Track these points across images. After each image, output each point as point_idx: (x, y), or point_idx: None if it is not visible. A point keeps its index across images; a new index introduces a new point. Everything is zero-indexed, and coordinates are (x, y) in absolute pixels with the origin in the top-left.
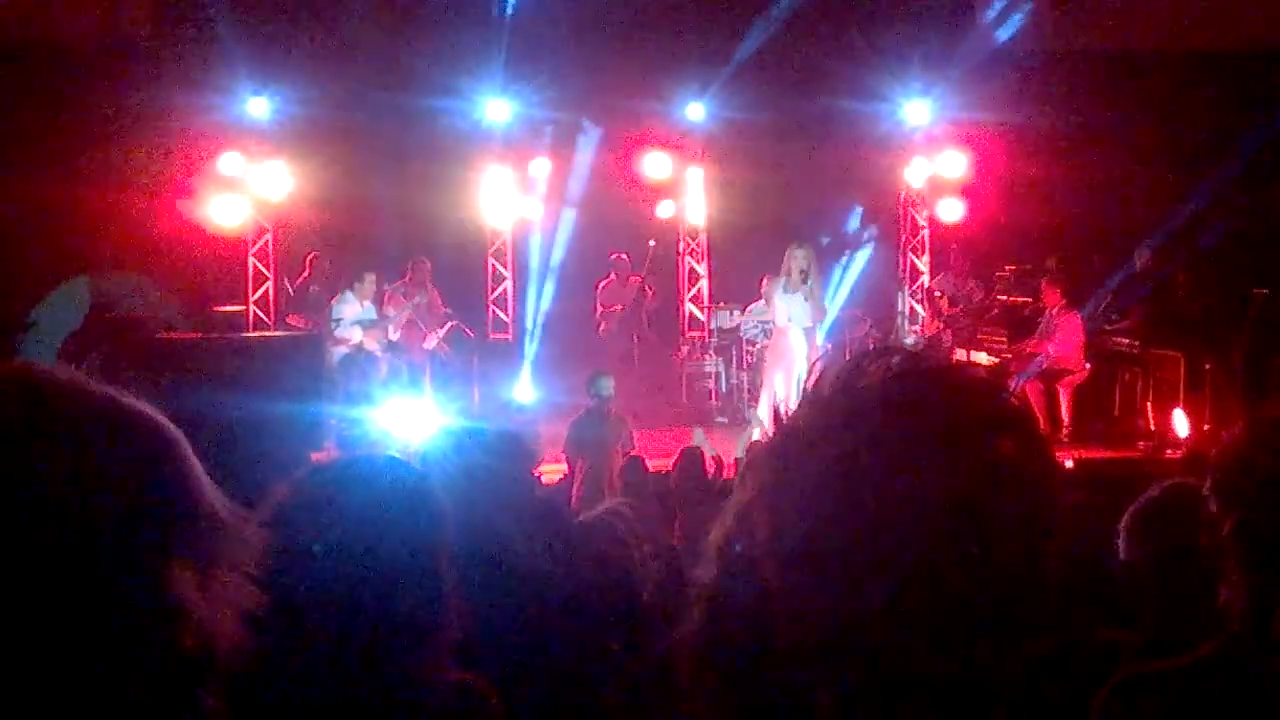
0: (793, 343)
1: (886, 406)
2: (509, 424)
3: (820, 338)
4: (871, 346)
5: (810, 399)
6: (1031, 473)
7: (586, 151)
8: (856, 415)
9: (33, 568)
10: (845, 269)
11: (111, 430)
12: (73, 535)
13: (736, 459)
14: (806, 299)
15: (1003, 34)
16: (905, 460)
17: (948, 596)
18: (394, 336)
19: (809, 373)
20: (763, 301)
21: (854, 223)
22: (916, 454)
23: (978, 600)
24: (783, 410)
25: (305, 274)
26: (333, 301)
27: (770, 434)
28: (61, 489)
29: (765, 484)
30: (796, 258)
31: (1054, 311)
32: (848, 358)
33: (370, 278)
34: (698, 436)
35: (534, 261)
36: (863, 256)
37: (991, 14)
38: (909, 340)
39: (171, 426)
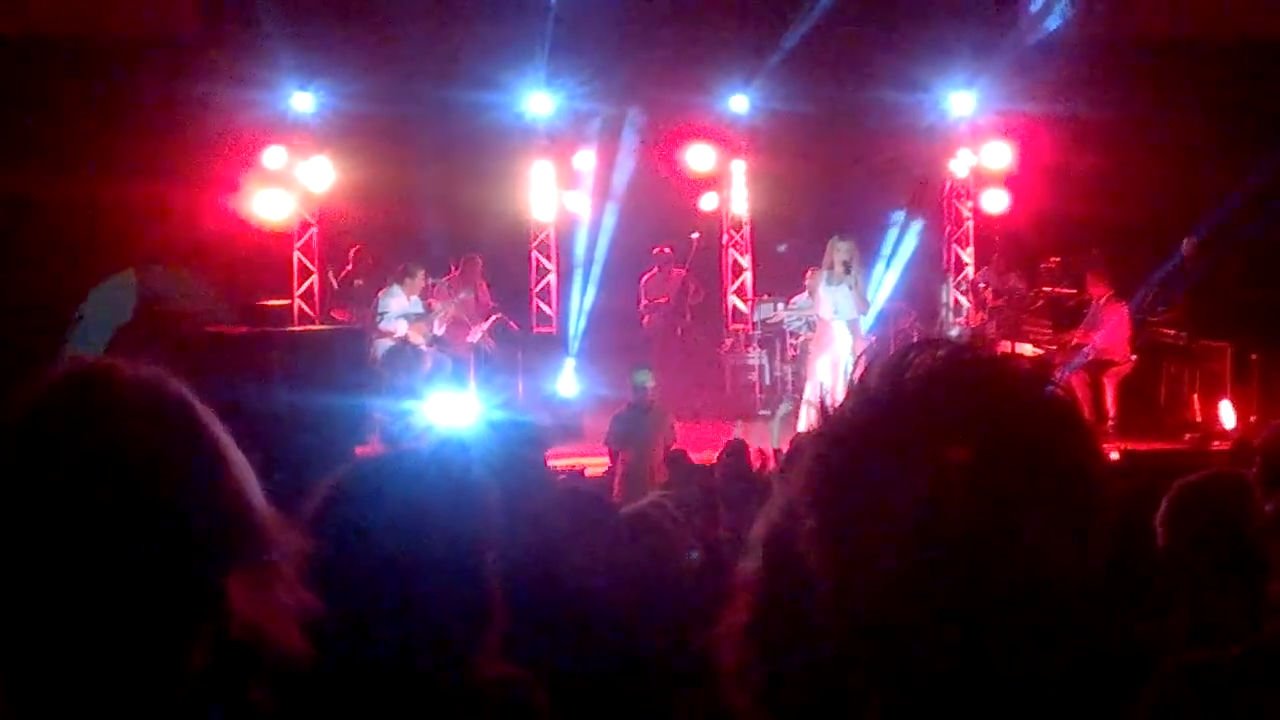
0: (837, 335)
1: (933, 399)
2: (522, 414)
3: (864, 329)
4: (916, 338)
5: (857, 391)
6: (1078, 465)
7: (630, 144)
8: (903, 407)
9: (84, 553)
10: (890, 260)
11: (180, 435)
12: (134, 532)
13: (776, 450)
14: (851, 289)
15: (1048, 23)
16: (953, 453)
17: (996, 592)
18: (439, 331)
19: (855, 365)
20: (806, 294)
21: (898, 214)
22: (963, 446)
23: (1025, 595)
24: (828, 402)
25: (349, 268)
26: (379, 295)
27: (816, 425)
28: (124, 482)
29: (811, 477)
30: (839, 249)
31: (1101, 302)
32: (893, 350)
33: (420, 272)
34: (738, 429)
35: (578, 254)
36: (907, 248)
37: (1036, 3)
38: (953, 332)
39: (225, 432)
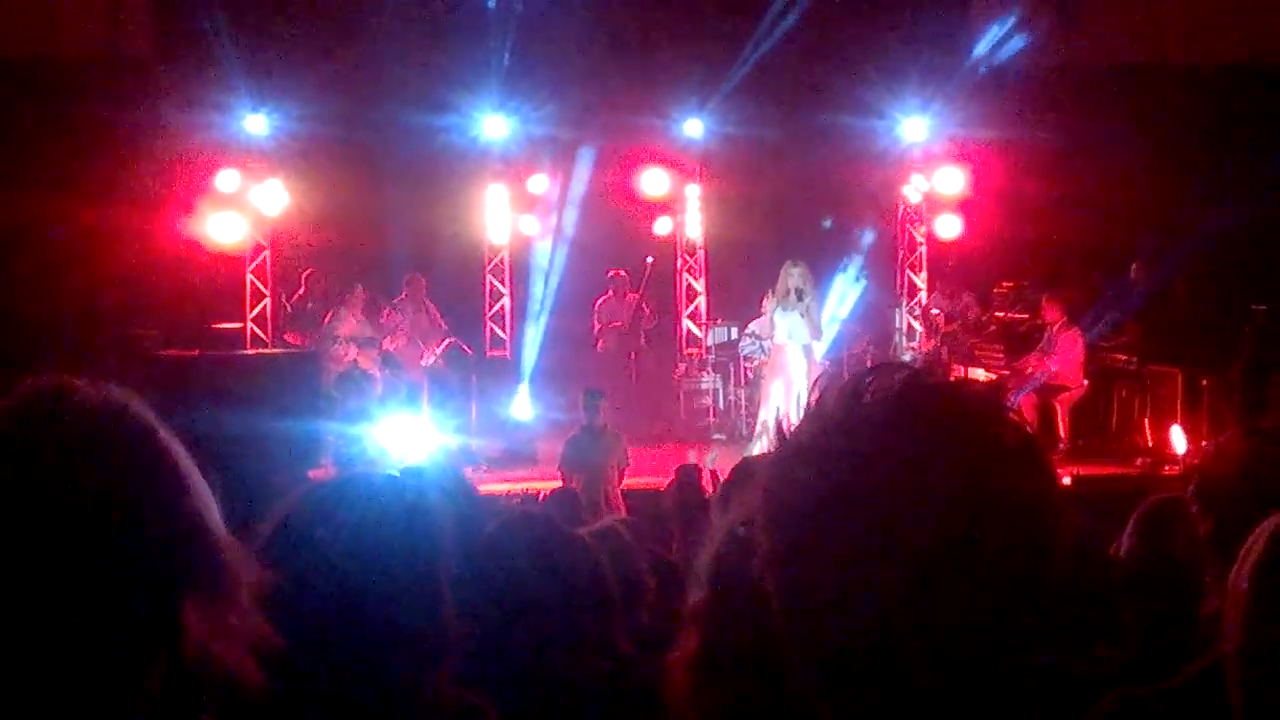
0: (791, 359)
1: (890, 423)
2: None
3: (819, 354)
4: (870, 363)
5: (813, 415)
6: (1034, 490)
7: (584, 168)
8: (860, 431)
9: (42, 577)
10: (847, 286)
11: (140, 458)
12: (89, 556)
13: (713, 474)
14: (804, 316)
15: (1000, 51)
16: (908, 477)
17: (950, 615)
18: (394, 348)
19: (811, 389)
20: (762, 319)
21: (851, 239)
22: (920, 471)
23: (980, 618)
24: (785, 427)
25: (302, 291)
26: (329, 319)
27: (771, 450)
28: (85, 506)
29: (768, 500)
30: (792, 275)
31: (1055, 328)
32: (847, 374)
33: (357, 289)
34: (711, 458)
35: (532, 278)
36: (856, 277)
37: (989, 31)
38: (906, 357)
39: (187, 457)
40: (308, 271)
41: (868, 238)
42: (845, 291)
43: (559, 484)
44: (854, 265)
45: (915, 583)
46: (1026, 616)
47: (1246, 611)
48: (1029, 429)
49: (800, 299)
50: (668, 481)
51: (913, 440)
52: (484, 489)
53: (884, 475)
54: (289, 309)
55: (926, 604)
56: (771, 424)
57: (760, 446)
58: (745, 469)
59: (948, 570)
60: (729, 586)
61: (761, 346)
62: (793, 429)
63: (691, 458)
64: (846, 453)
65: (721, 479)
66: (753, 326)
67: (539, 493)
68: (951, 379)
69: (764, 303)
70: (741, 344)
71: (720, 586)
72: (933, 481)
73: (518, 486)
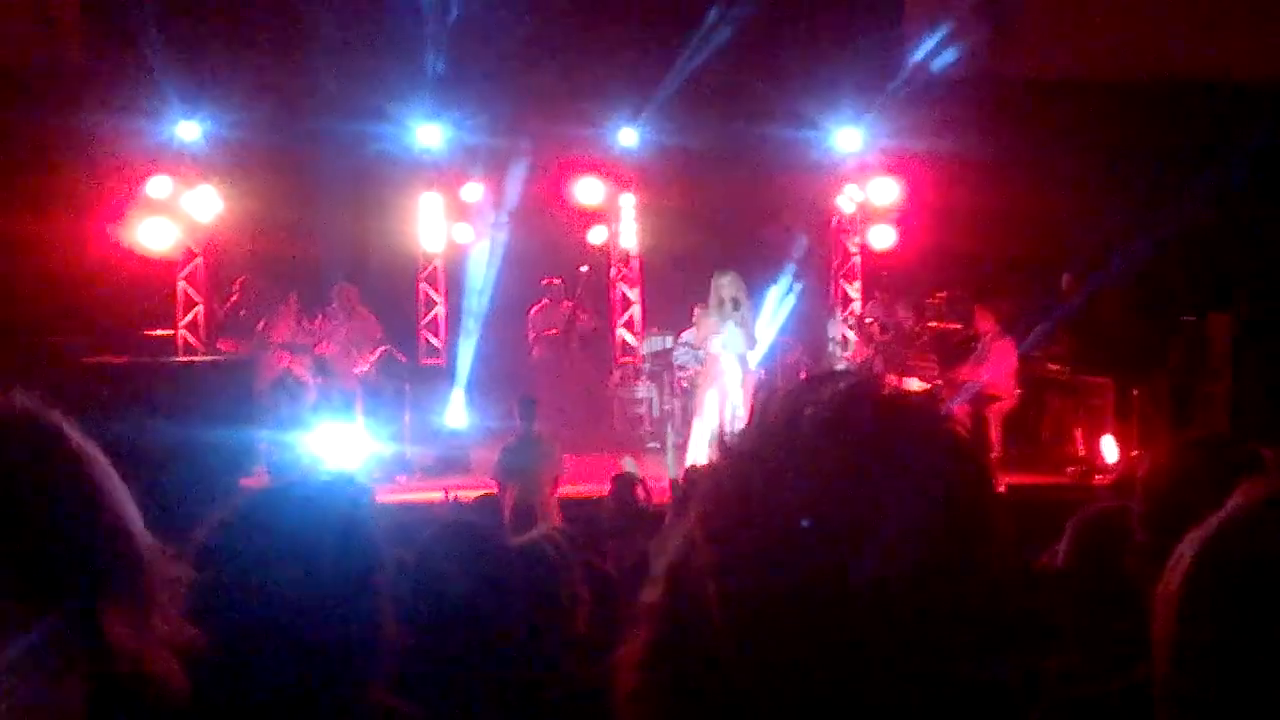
0: (725, 369)
1: (833, 434)
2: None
3: (752, 363)
4: (804, 373)
5: (755, 424)
6: (975, 499)
7: (518, 176)
8: (802, 442)
9: None
10: (781, 296)
11: (53, 462)
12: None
13: (673, 480)
14: (738, 325)
15: (933, 62)
16: (851, 488)
17: (890, 626)
18: (327, 353)
19: (747, 398)
20: (694, 328)
21: (785, 249)
22: (862, 481)
23: (921, 629)
24: (726, 436)
25: (234, 298)
26: (260, 326)
27: (712, 459)
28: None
29: (707, 509)
30: (723, 285)
31: (988, 338)
32: (780, 384)
33: (290, 296)
34: (629, 464)
35: (466, 286)
36: (789, 284)
37: (922, 42)
38: (840, 367)
39: (104, 462)
40: (241, 279)
41: (800, 248)
42: (779, 302)
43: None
44: (786, 277)
45: (856, 595)
46: (968, 627)
47: (1172, 624)
48: (970, 438)
49: (735, 308)
50: (606, 490)
51: (855, 451)
52: (418, 497)
53: (826, 486)
54: (222, 316)
55: (866, 616)
56: (709, 434)
57: (695, 456)
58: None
59: (888, 582)
60: (683, 590)
61: (696, 355)
62: (732, 439)
63: (626, 466)
64: (788, 464)
65: (651, 488)
66: (686, 336)
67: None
68: (894, 388)
69: (695, 313)
70: (675, 353)
71: (674, 589)
72: (875, 492)
73: (450, 494)
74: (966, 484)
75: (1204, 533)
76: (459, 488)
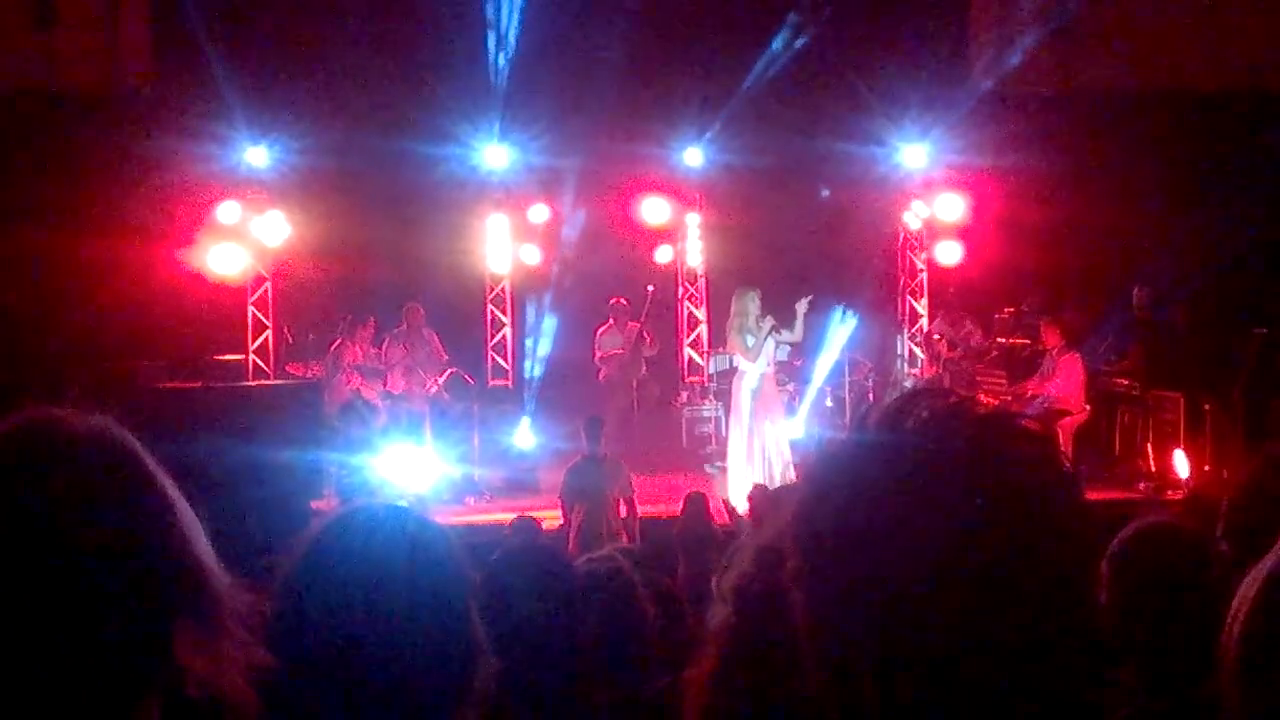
0: (761, 385)
1: (935, 450)
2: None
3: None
4: (871, 391)
5: (853, 438)
6: (1072, 518)
7: (585, 197)
8: (902, 456)
9: (37, 614)
10: (844, 313)
11: (126, 486)
12: (76, 584)
13: (725, 501)
14: (769, 338)
15: (998, 77)
16: (951, 505)
17: (981, 643)
18: (395, 389)
19: (860, 411)
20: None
21: (852, 266)
22: (962, 499)
23: (1011, 647)
24: (815, 451)
25: (304, 322)
26: (332, 348)
27: (788, 479)
28: (75, 542)
29: (802, 518)
30: (747, 299)
31: (1055, 353)
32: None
33: (369, 320)
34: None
35: (533, 307)
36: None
37: (987, 57)
38: (907, 384)
39: (175, 488)
40: (311, 302)
41: (867, 265)
42: (845, 319)
43: (559, 513)
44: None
45: (950, 609)
46: (1054, 648)
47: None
48: (1067, 460)
49: (760, 322)
50: (680, 509)
51: (957, 469)
52: (486, 518)
53: (925, 502)
54: (291, 340)
55: (959, 631)
56: (746, 452)
57: (734, 475)
58: (778, 495)
59: (982, 599)
60: (754, 607)
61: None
62: (829, 449)
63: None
64: (888, 476)
65: (732, 507)
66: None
67: (539, 521)
68: (994, 407)
69: (732, 333)
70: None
71: (745, 607)
72: (975, 510)
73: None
74: (1063, 500)
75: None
76: (527, 509)
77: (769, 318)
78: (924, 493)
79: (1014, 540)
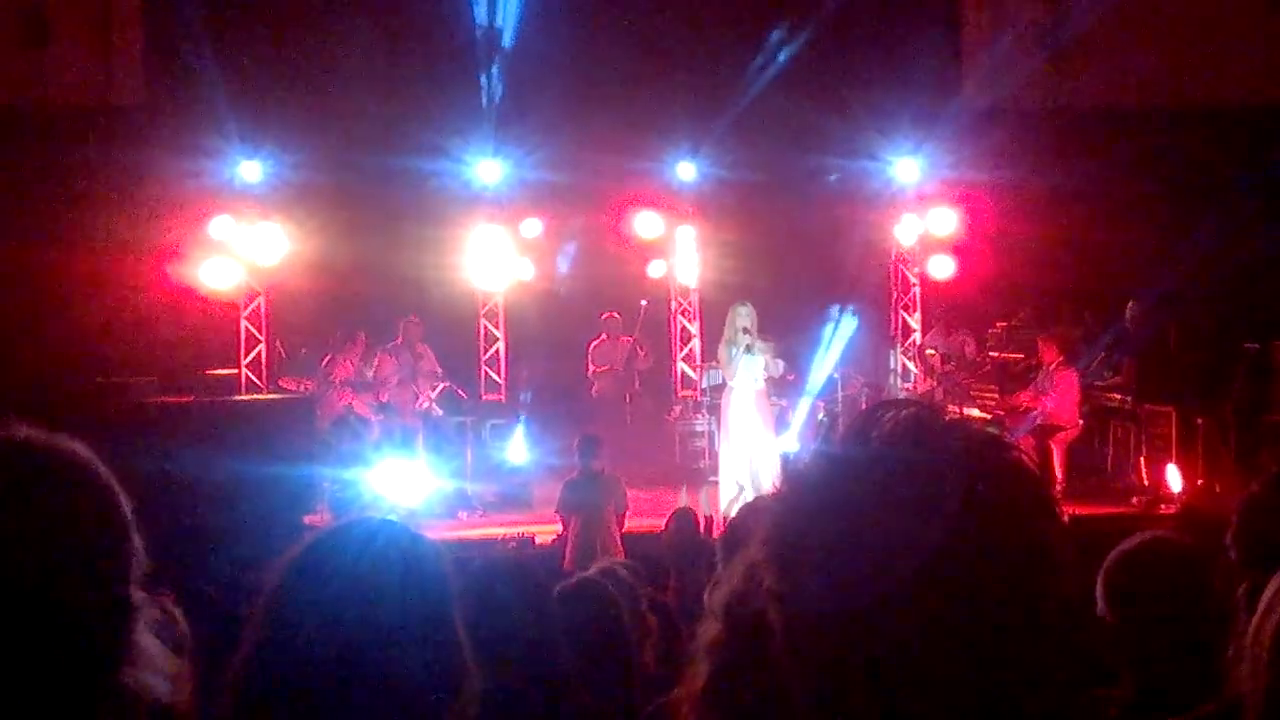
0: (752, 401)
1: (898, 461)
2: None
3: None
4: (864, 404)
5: (822, 452)
6: (1042, 527)
7: (578, 211)
8: (868, 470)
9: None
10: (836, 327)
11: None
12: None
13: (713, 516)
14: (761, 354)
15: (992, 92)
16: (917, 516)
17: (954, 654)
18: (385, 399)
19: (772, 427)
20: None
21: (844, 280)
22: (928, 510)
23: (983, 658)
24: (788, 465)
25: (297, 337)
26: (324, 363)
27: (776, 485)
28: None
29: (773, 537)
30: (740, 315)
31: (1051, 367)
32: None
33: (359, 335)
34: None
35: (526, 322)
36: (849, 316)
37: (980, 72)
38: (901, 397)
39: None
40: (304, 317)
41: (860, 279)
42: (838, 333)
43: (556, 528)
44: (846, 308)
45: (920, 622)
46: (1029, 658)
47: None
48: (1034, 467)
49: (752, 338)
50: (664, 524)
51: (922, 479)
52: (479, 533)
53: (891, 513)
54: (284, 355)
55: (930, 643)
56: (736, 468)
57: (725, 490)
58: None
59: (953, 610)
60: (743, 623)
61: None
62: (795, 467)
63: (685, 500)
64: (855, 490)
65: (718, 521)
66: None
67: (533, 536)
68: (959, 416)
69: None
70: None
71: (734, 623)
72: (941, 521)
73: (513, 530)
74: (1033, 515)
75: None
76: (520, 524)
77: (747, 334)
78: (891, 504)
79: (983, 547)
